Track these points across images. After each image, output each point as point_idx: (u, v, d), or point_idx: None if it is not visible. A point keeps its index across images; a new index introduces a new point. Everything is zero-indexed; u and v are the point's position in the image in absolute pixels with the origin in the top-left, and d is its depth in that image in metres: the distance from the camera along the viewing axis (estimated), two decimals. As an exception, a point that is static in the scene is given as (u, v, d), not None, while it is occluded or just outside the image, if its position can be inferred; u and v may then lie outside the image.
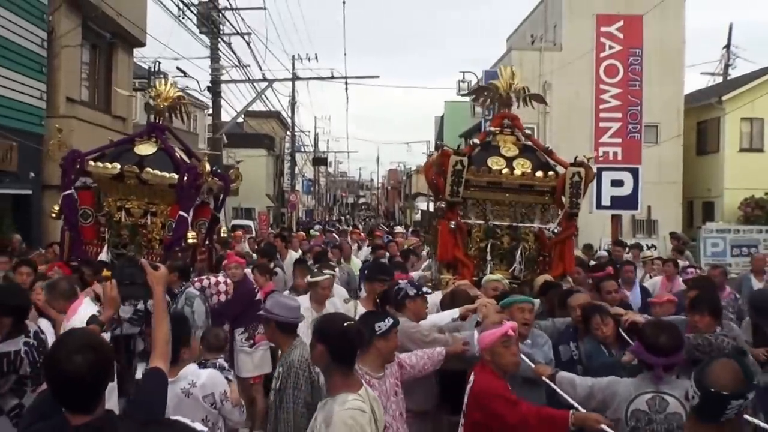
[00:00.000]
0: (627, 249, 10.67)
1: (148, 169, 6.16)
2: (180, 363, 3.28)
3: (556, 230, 5.88)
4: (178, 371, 3.30)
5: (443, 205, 5.84)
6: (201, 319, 5.50)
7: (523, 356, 3.66)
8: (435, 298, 5.10)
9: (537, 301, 5.03)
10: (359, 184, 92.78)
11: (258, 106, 20.87)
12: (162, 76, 18.24)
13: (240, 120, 23.82)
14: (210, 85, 17.26)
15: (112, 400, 2.80)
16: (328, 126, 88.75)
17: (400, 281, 4.67)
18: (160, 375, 2.50)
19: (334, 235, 16.36)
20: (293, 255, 10.00)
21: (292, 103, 30.97)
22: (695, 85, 47.62)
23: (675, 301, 5.30)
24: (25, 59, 10.77)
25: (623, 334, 4.27)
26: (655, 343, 3.24)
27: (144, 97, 15.74)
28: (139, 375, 3.36)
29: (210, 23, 16.34)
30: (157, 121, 6.61)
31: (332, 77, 20.49)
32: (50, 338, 4.04)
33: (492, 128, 6.18)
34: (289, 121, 33.14)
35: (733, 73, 27.04)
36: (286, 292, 6.53)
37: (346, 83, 24.29)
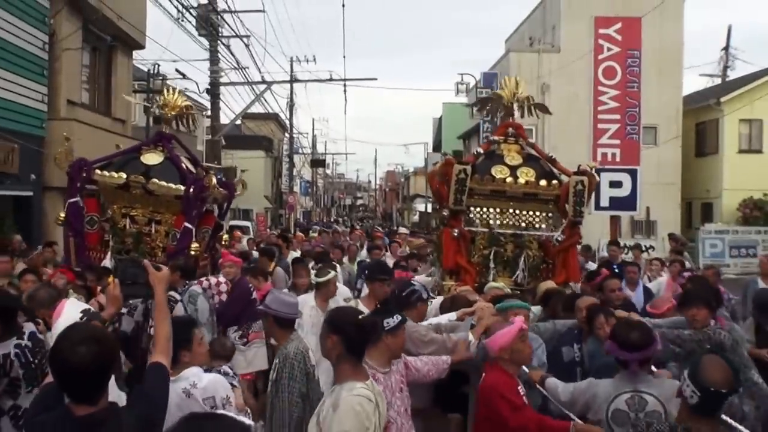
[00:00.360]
0: (625, 250, 10.74)
1: (155, 180, 6.15)
2: (180, 365, 3.33)
3: (559, 238, 5.90)
4: (178, 373, 3.34)
5: (446, 213, 5.86)
6: (204, 316, 5.55)
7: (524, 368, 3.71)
8: (435, 302, 5.18)
9: (536, 309, 5.12)
10: (357, 186, 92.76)
11: (256, 108, 20.94)
12: (161, 78, 18.29)
13: (238, 122, 23.86)
14: (209, 87, 17.30)
15: (114, 393, 2.87)
16: (326, 128, 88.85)
17: (414, 282, 4.75)
18: (161, 369, 2.57)
19: (340, 235, 16.43)
20: (294, 255, 10.05)
21: (290, 105, 31.03)
22: (694, 86, 47.79)
23: (674, 307, 5.37)
24: (27, 62, 10.78)
25: None
26: (626, 339, 3.37)
27: (143, 102, 15.80)
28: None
29: (209, 26, 16.37)
30: (164, 129, 6.65)
31: (331, 79, 20.55)
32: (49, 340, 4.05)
33: (496, 137, 6.20)
34: (287, 123, 33.17)
35: (732, 75, 27.21)
36: (285, 290, 6.65)
37: (344, 85, 24.36)
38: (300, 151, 40.97)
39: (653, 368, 3.76)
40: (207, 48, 16.84)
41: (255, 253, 11.14)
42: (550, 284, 5.68)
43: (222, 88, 17.68)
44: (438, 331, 4.24)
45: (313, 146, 47.43)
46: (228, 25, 17.39)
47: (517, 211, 5.95)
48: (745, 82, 21.69)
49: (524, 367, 3.84)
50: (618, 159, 19.76)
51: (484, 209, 5.95)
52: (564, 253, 5.94)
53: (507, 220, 5.94)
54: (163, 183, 6.18)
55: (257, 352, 6.40)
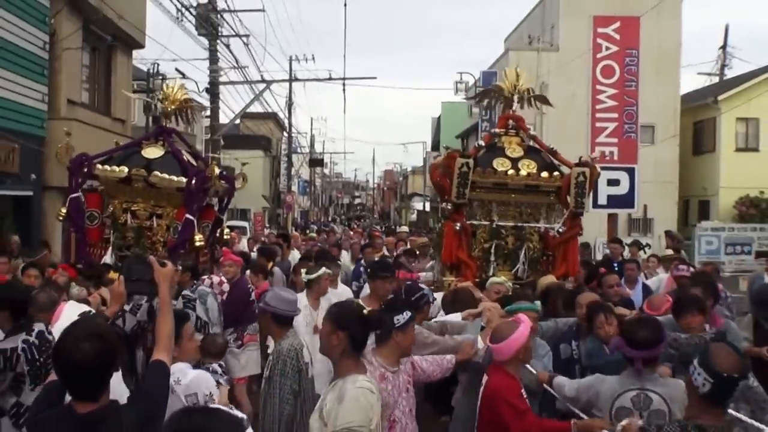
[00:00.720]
0: (624, 247, 10.72)
1: (156, 173, 6.16)
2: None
3: (561, 230, 5.89)
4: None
5: (449, 207, 5.85)
6: (215, 316, 5.53)
7: (528, 365, 3.68)
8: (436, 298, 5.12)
9: (536, 304, 5.10)
10: (355, 185, 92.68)
11: (255, 108, 20.92)
12: (161, 77, 18.24)
13: (237, 121, 23.80)
14: (208, 86, 17.28)
15: (121, 389, 2.88)
16: (325, 127, 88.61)
17: (423, 286, 4.73)
18: (162, 367, 2.57)
19: (335, 235, 16.30)
20: (295, 254, 10.03)
21: (289, 105, 30.99)
22: (692, 85, 47.85)
23: (671, 305, 5.33)
24: (27, 62, 10.74)
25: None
26: (634, 337, 3.34)
27: (143, 100, 15.77)
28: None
29: (209, 25, 16.35)
30: (164, 124, 6.64)
31: (330, 78, 20.52)
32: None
33: (497, 130, 6.19)
34: (286, 122, 33.14)
35: (730, 74, 27.15)
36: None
37: (343, 85, 24.32)
38: (298, 150, 40.91)
39: None
40: (206, 47, 16.82)
41: (254, 254, 11.14)
42: (550, 278, 5.65)
43: (221, 88, 17.67)
44: (443, 330, 4.21)
45: (312, 146, 47.36)
46: (227, 24, 17.37)
47: (519, 204, 5.94)
48: (742, 80, 21.69)
49: (531, 369, 3.79)
50: (616, 157, 19.78)
51: (486, 202, 5.94)
52: (565, 245, 5.93)
53: (509, 211, 5.93)
54: (165, 175, 6.17)
55: (251, 356, 6.35)
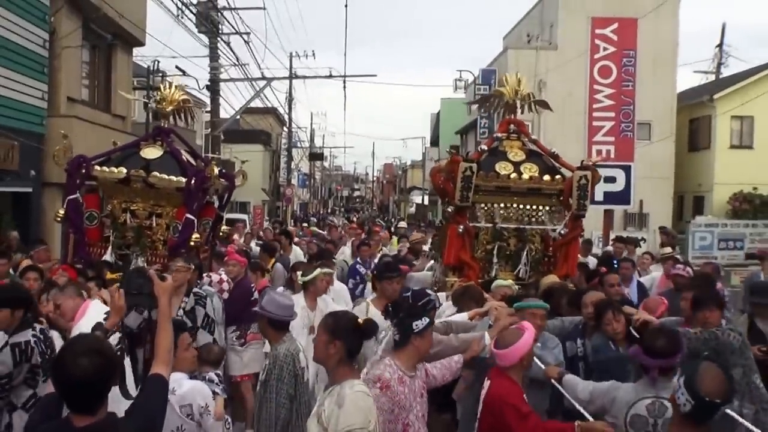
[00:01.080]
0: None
1: (155, 173, 6.12)
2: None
3: (562, 231, 5.92)
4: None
5: (452, 210, 5.86)
6: (219, 315, 5.48)
7: (534, 358, 3.66)
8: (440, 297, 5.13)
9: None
10: (354, 178, 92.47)
11: (255, 103, 20.77)
12: (161, 75, 18.07)
13: (237, 116, 23.59)
14: (209, 83, 17.11)
15: (121, 403, 2.84)
16: (325, 122, 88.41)
17: (429, 291, 4.72)
18: (161, 381, 2.56)
19: (336, 230, 16.03)
20: (297, 251, 9.89)
21: (289, 100, 30.81)
22: (689, 82, 47.74)
23: (667, 308, 5.20)
24: (27, 60, 10.60)
25: (633, 332, 4.29)
26: (652, 345, 3.33)
27: (142, 98, 15.62)
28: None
29: (209, 23, 16.16)
30: (162, 124, 6.56)
31: (330, 76, 20.34)
32: (57, 337, 4.09)
33: (499, 134, 6.23)
34: (286, 117, 32.95)
35: (726, 72, 27.29)
36: (281, 288, 6.48)
37: (344, 83, 24.14)
38: (298, 144, 40.74)
39: None
40: (207, 45, 16.63)
41: (254, 248, 11.00)
42: (552, 278, 5.67)
43: (221, 84, 17.50)
44: (447, 330, 4.17)
45: (312, 140, 47.18)
46: (228, 22, 17.18)
47: (521, 206, 5.96)
48: (737, 80, 21.79)
49: (540, 365, 3.79)
50: (612, 155, 19.90)
51: (489, 205, 5.96)
52: (566, 247, 5.97)
53: (511, 214, 5.95)
54: (164, 175, 6.14)
55: (254, 354, 6.27)
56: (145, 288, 3.08)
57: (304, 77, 23.90)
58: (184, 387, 3.46)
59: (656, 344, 3.32)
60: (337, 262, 8.62)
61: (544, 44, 21.18)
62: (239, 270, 6.69)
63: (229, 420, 3.92)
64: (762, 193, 19.45)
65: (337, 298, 6.25)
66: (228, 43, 17.58)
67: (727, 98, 20.33)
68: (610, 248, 10.55)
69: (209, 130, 18.39)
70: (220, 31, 16.85)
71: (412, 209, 49.66)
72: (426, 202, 42.42)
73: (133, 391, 2.81)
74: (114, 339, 3.49)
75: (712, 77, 27.62)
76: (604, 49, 20.35)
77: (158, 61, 18.09)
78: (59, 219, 6.47)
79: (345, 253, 10.06)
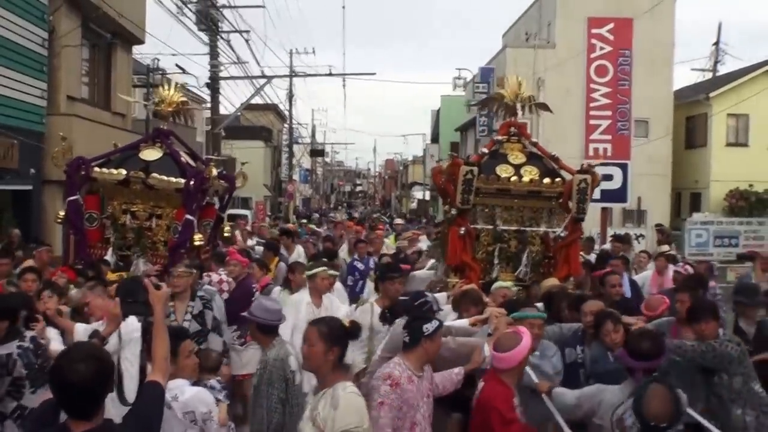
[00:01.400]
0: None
1: (155, 175, 6.11)
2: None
3: (562, 234, 5.89)
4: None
5: (453, 212, 5.83)
6: (221, 314, 5.47)
7: (528, 369, 3.70)
8: (440, 297, 5.09)
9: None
10: (356, 173, 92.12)
11: (256, 99, 20.60)
12: (161, 73, 17.95)
13: (238, 114, 23.45)
14: (209, 81, 16.99)
15: (118, 409, 2.83)
16: (325, 117, 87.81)
17: (426, 294, 4.71)
18: (157, 388, 2.56)
19: (342, 226, 15.74)
20: (300, 250, 9.77)
21: (290, 97, 30.65)
22: (686, 80, 47.72)
23: (669, 307, 5.18)
24: (26, 59, 10.53)
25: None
26: (637, 348, 3.38)
27: (142, 100, 15.49)
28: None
29: (208, 21, 16.02)
30: (161, 125, 6.52)
31: (330, 74, 20.20)
32: (59, 346, 4.00)
33: (499, 137, 6.20)
34: (287, 113, 32.80)
35: (723, 69, 27.26)
36: (278, 288, 6.51)
37: (343, 80, 24.01)
38: (299, 140, 40.60)
39: None
40: (207, 43, 16.49)
41: (256, 247, 10.89)
42: (553, 281, 5.65)
43: (222, 82, 17.38)
44: (448, 333, 4.10)
45: (312, 136, 47.02)
46: (227, 20, 17.03)
47: (521, 208, 5.95)
48: (732, 78, 21.79)
49: (534, 378, 3.81)
50: (609, 153, 19.93)
51: (490, 207, 5.95)
52: (566, 249, 5.94)
53: (511, 216, 5.94)
54: (164, 177, 6.12)
55: (254, 354, 6.23)
56: (141, 296, 3.07)
57: (304, 75, 23.77)
58: (186, 394, 3.41)
59: (641, 347, 3.37)
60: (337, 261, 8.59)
61: (542, 43, 21.11)
62: (241, 270, 6.67)
63: (233, 426, 3.92)
64: (757, 190, 19.48)
65: (340, 298, 6.29)
66: (228, 41, 17.45)
67: (723, 96, 20.30)
68: (606, 246, 10.49)
69: (210, 127, 18.29)
70: (219, 29, 16.70)
71: (414, 205, 49.71)
72: (427, 197, 42.42)
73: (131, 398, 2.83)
74: (112, 346, 3.44)
75: (709, 75, 27.59)
76: (601, 48, 20.37)
77: (158, 59, 17.98)
78: (60, 220, 6.44)
79: (343, 249, 9.99)
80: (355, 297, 7.24)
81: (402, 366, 3.33)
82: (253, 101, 20.34)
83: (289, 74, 25.35)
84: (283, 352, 3.65)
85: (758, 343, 4.92)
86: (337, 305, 5.78)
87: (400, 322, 3.80)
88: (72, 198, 6.28)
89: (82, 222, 6.30)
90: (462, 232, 5.70)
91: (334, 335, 2.98)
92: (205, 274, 6.36)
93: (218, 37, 16.63)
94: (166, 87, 6.69)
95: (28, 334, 3.88)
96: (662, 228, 13.95)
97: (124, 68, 13.97)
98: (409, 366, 3.36)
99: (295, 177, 37.87)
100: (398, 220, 20.62)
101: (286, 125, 35.69)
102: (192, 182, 6.05)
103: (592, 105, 20.62)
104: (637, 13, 19.90)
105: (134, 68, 15.80)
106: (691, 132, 21.72)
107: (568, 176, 5.96)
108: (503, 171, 5.82)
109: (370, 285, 7.38)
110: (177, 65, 17.23)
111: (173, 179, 6.13)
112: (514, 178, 5.81)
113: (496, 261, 5.84)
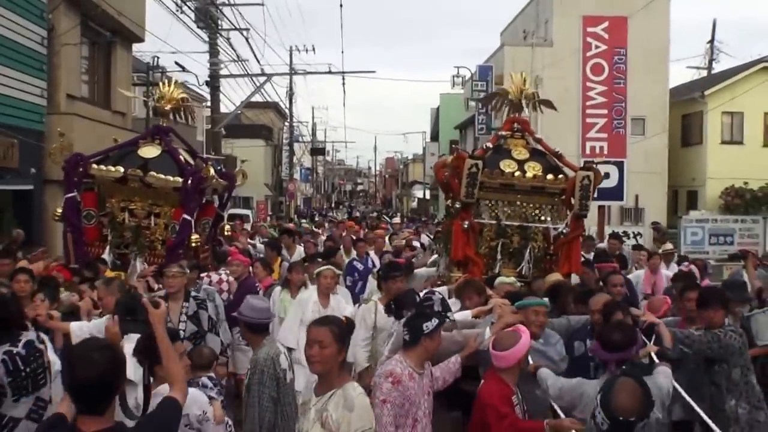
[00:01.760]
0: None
1: (153, 173, 6.01)
2: (157, 380, 3.18)
3: (565, 230, 5.84)
4: (154, 388, 3.14)
5: (457, 206, 5.77)
6: (220, 314, 5.40)
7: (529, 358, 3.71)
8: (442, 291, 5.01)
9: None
10: (357, 172, 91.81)
11: (256, 98, 20.46)
12: (161, 71, 17.78)
13: (238, 112, 23.29)
14: (209, 79, 16.82)
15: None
16: (326, 116, 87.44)
17: (435, 291, 4.62)
18: (175, 404, 2.51)
19: (344, 226, 15.56)
20: (300, 251, 9.61)
21: (290, 95, 30.45)
22: (682, 77, 47.84)
23: (670, 308, 5.13)
24: (26, 57, 10.37)
25: (641, 334, 4.11)
26: (608, 340, 3.42)
27: (142, 96, 15.35)
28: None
29: (208, 19, 15.84)
30: (161, 122, 6.40)
31: (330, 72, 20.04)
32: (48, 351, 3.73)
33: (503, 132, 6.13)
34: (287, 111, 32.60)
35: (718, 67, 27.26)
36: (278, 288, 6.42)
37: (343, 78, 23.85)
38: (300, 139, 40.40)
39: (655, 359, 3.76)
40: (206, 41, 16.32)
41: (256, 244, 10.74)
42: (556, 276, 5.61)
43: (222, 79, 17.21)
44: (452, 326, 4.09)
45: (313, 134, 46.82)
46: (227, 18, 16.85)
47: (524, 204, 5.92)
48: (727, 76, 21.71)
49: (530, 360, 3.79)
50: (605, 151, 19.86)
51: (493, 201, 5.92)
52: (568, 245, 5.91)
53: (514, 212, 5.90)
54: (161, 175, 6.04)
55: None
56: (139, 314, 3.00)
57: (305, 72, 23.58)
58: None
59: (612, 339, 3.40)
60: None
61: (540, 41, 21.00)
62: (243, 270, 6.59)
63: (230, 422, 3.80)
64: (752, 188, 19.38)
65: (345, 298, 6.26)
66: (228, 39, 17.27)
67: (718, 94, 20.21)
68: (603, 245, 10.41)
69: (210, 126, 18.12)
70: (219, 27, 16.53)
71: (414, 203, 49.62)
72: (427, 196, 42.33)
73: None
74: None
75: (705, 73, 27.54)
76: (596, 47, 20.31)
77: (158, 57, 17.80)
78: (57, 218, 6.33)
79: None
80: (354, 297, 7.14)
81: (403, 363, 3.33)
82: (253, 99, 20.19)
83: (289, 72, 25.18)
84: (274, 351, 3.61)
85: None
86: (343, 306, 5.77)
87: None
88: (70, 195, 6.18)
89: (80, 219, 6.20)
90: (465, 225, 5.64)
91: (343, 335, 2.95)
92: (204, 274, 6.25)
93: (218, 34, 16.46)
94: (167, 83, 6.56)
95: (24, 338, 3.61)
96: (658, 226, 13.94)
97: (124, 66, 13.81)
98: (410, 363, 3.37)
99: (296, 176, 37.71)
100: (396, 220, 20.54)
101: (286, 123, 35.49)
102: (189, 181, 5.97)
103: (588, 103, 20.55)
104: (631, 11, 19.81)
105: (134, 66, 15.63)
106: (686, 130, 21.63)
107: (570, 173, 5.92)
108: (507, 166, 5.78)
109: (371, 284, 7.28)
110: (177, 63, 17.07)
111: (171, 178, 6.04)
112: (517, 174, 5.77)
113: (498, 256, 5.80)
